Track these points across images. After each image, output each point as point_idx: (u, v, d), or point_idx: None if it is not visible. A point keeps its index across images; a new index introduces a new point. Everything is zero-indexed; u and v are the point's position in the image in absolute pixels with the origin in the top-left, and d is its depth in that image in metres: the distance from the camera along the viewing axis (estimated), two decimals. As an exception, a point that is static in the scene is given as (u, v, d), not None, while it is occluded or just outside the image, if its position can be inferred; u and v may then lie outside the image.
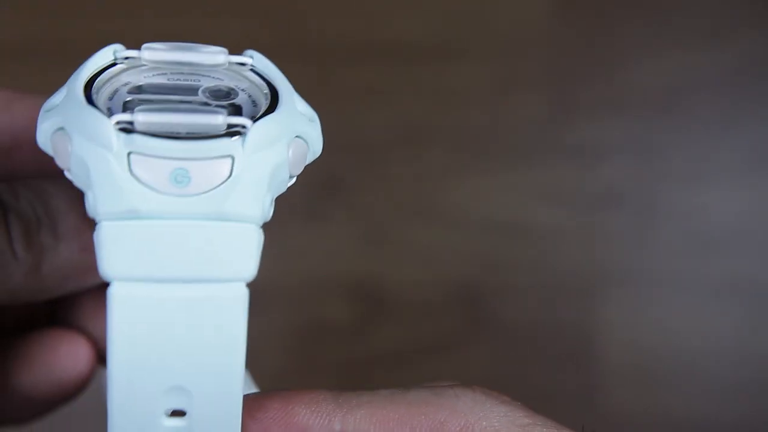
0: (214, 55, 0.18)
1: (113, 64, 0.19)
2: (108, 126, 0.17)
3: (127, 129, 0.17)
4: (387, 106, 0.50)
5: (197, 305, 0.17)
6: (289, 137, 0.18)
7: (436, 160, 0.50)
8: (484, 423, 0.19)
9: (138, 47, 0.19)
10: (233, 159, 0.17)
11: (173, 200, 0.16)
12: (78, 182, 0.17)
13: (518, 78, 0.50)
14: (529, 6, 0.51)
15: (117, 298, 0.17)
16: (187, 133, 0.17)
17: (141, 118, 0.17)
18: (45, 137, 0.18)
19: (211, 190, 0.17)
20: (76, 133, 0.17)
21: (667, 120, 0.50)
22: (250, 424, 0.19)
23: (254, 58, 0.19)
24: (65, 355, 0.23)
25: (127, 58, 0.18)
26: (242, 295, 0.17)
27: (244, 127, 0.17)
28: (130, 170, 0.16)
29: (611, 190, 0.50)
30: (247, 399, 0.19)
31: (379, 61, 0.50)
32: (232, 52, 0.19)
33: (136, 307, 0.17)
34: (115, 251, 0.16)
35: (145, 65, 0.19)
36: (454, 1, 0.51)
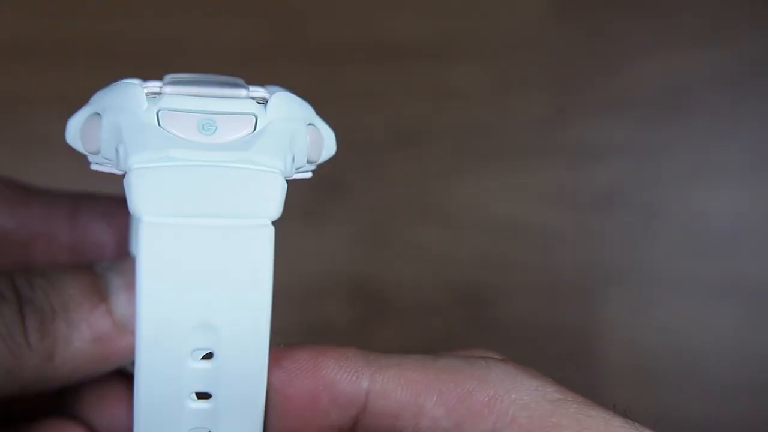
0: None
1: None
2: (139, 90, 0.18)
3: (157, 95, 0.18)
4: (387, 106, 0.50)
5: (224, 237, 0.17)
6: (305, 118, 0.19)
7: (436, 160, 0.50)
8: (514, 396, 0.19)
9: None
10: (257, 118, 0.18)
11: (200, 145, 0.17)
12: (107, 152, 0.18)
13: (518, 78, 0.50)
14: (529, 6, 0.51)
15: (147, 230, 0.17)
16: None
17: (169, 89, 0.18)
18: (75, 128, 0.18)
19: (237, 139, 0.17)
20: (108, 109, 0.18)
21: (667, 120, 0.50)
22: (278, 373, 0.19)
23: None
24: None
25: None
26: (268, 228, 0.18)
27: (265, 99, 0.18)
28: (159, 124, 0.17)
29: (611, 190, 0.50)
30: (276, 348, 0.19)
31: (379, 61, 0.50)
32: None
33: (164, 239, 0.17)
34: (146, 190, 0.17)
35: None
36: (454, 1, 0.51)
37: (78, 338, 0.21)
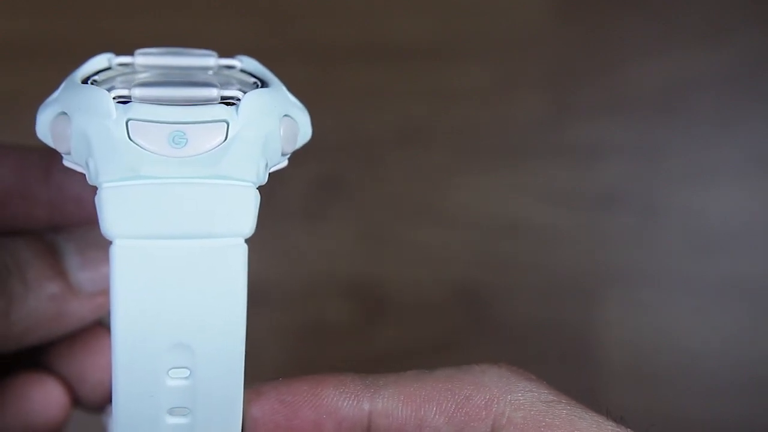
0: (204, 59, 0.19)
1: (108, 68, 0.19)
2: (107, 97, 0.17)
3: (126, 102, 0.17)
4: (387, 106, 0.50)
5: (197, 259, 0.17)
6: (280, 113, 0.18)
7: (436, 160, 0.50)
8: (509, 397, 0.19)
9: (134, 50, 0.19)
10: (228, 124, 0.17)
11: (171, 161, 0.17)
12: (78, 159, 0.18)
13: (518, 78, 0.50)
14: (529, 6, 0.51)
15: (119, 254, 0.17)
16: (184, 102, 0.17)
17: (138, 92, 0.17)
18: (44, 126, 0.18)
19: (208, 151, 0.17)
20: (76, 112, 0.17)
21: (667, 120, 0.50)
22: (280, 408, 0.19)
23: (243, 62, 0.20)
24: (37, 400, 0.23)
25: (121, 64, 0.19)
26: (241, 247, 0.17)
27: (237, 99, 0.18)
28: (129, 136, 0.17)
29: (611, 190, 0.50)
30: (277, 384, 0.19)
31: (379, 61, 0.50)
32: (228, 54, 0.19)
33: (137, 263, 0.17)
34: (117, 210, 0.17)
35: (138, 71, 0.19)
36: (453, 1, 0.51)
37: (33, 297, 0.22)
